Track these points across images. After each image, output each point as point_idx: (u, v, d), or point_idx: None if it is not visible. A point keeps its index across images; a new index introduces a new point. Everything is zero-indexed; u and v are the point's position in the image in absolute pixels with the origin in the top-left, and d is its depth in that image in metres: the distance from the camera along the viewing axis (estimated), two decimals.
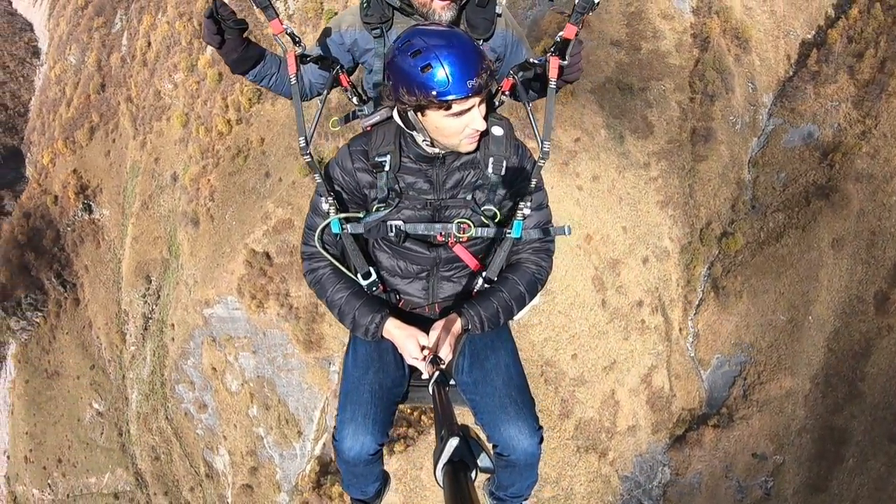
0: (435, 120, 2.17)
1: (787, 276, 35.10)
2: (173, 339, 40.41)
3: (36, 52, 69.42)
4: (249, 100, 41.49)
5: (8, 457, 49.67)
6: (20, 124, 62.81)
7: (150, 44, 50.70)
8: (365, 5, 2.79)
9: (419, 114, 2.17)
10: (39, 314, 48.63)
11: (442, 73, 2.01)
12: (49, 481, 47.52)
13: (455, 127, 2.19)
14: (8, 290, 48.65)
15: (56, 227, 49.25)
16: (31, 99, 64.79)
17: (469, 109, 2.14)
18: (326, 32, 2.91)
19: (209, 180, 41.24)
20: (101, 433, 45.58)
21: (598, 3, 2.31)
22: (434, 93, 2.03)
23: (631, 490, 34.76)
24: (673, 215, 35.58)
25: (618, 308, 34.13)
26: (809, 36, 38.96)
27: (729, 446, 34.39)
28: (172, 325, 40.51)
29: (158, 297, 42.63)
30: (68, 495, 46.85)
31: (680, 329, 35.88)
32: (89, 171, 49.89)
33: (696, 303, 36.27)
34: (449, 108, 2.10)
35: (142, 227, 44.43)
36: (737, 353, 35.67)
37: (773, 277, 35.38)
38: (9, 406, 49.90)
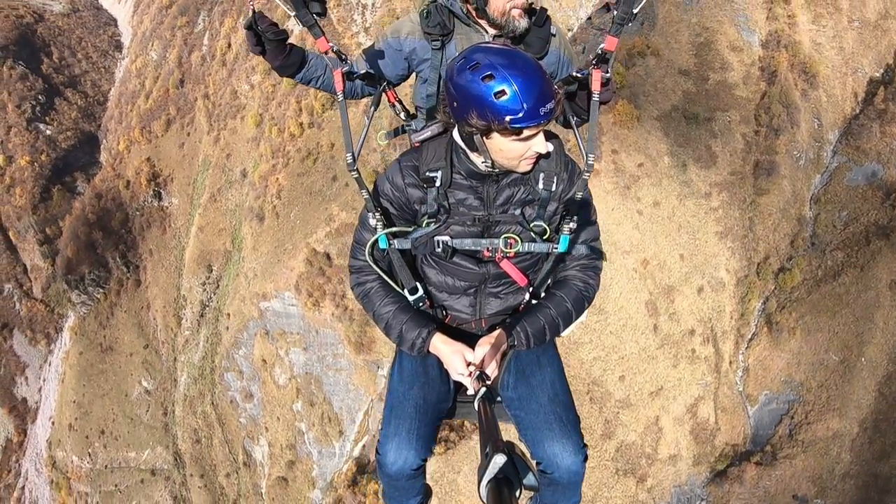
0: (500, 143, 2.19)
1: (843, 316, 35.06)
2: (228, 328, 42.17)
3: (118, 46, 74.15)
4: (322, 105, 43.69)
5: (53, 423, 52.12)
6: (98, 112, 66.84)
7: (230, 45, 53.85)
8: (426, 14, 2.86)
9: (483, 136, 2.20)
10: (101, 291, 51.50)
11: (517, 99, 2.02)
12: (90, 450, 49.63)
13: (519, 150, 2.22)
14: (73, 264, 51.65)
15: (125, 210, 52.30)
16: (110, 89, 68.98)
17: (535, 134, 2.19)
18: (384, 37, 2.99)
19: (278, 179, 43.35)
20: (147, 411, 47.71)
21: (637, 13, 2.37)
22: (508, 118, 2.05)
23: None
24: (731, 247, 35.92)
25: (669, 335, 34.53)
26: (878, 74, 39.13)
27: (770, 486, 34.16)
28: (228, 314, 42.32)
29: (217, 286, 44.74)
30: (106, 466, 48.89)
31: (730, 362, 36.02)
32: (162, 161, 52.99)
33: (749, 336, 36.42)
34: (519, 133, 2.13)
35: (208, 218, 46.86)
36: (786, 390, 35.64)
37: (828, 316, 35.37)
38: (60, 375, 52.58)
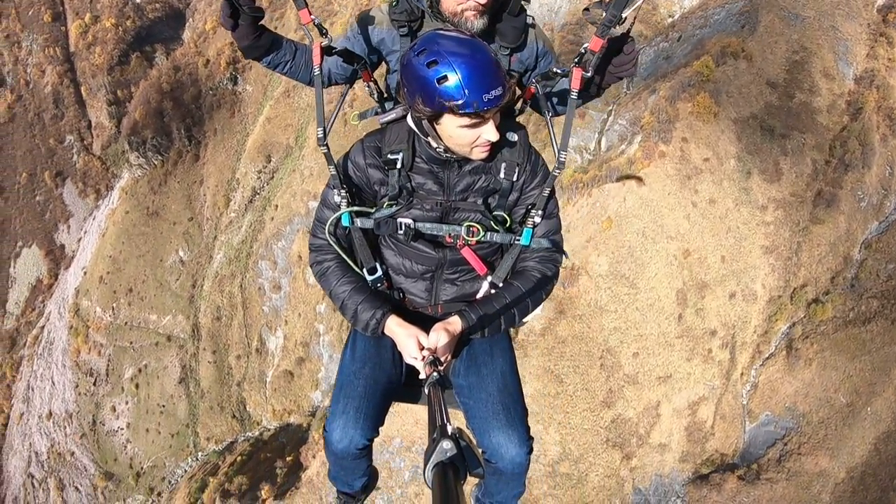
0: (449, 129, 2.25)
1: (862, 362, 36.35)
2: (273, 218, 44.95)
3: None
4: None
5: (85, 273, 55.90)
6: None
7: None
8: (394, 3, 2.85)
9: (433, 122, 2.25)
10: (159, 158, 54.87)
11: (458, 86, 2.07)
12: (114, 305, 53.45)
13: (468, 137, 2.27)
14: (138, 127, 54.95)
15: (199, 87, 55.16)
16: None
17: (484, 121, 2.22)
18: (354, 27, 2.99)
19: (355, 89, 45.69)
20: (177, 279, 51.25)
21: (626, 17, 2.38)
22: (450, 104, 2.10)
23: None
24: (773, 264, 37.12)
25: (691, 328, 35.96)
26: None
27: (746, 503, 35.50)
28: (276, 206, 45.09)
29: (272, 177, 47.57)
30: (126, 323, 52.72)
31: (741, 373, 37.30)
32: None
33: (766, 355, 37.64)
34: (465, 118, 2.17)
35: (278, 110, 49.42)
36: (787, 416, 36.82)
37: (847, 358, 36.65)
38: (102, 229, 56.28)
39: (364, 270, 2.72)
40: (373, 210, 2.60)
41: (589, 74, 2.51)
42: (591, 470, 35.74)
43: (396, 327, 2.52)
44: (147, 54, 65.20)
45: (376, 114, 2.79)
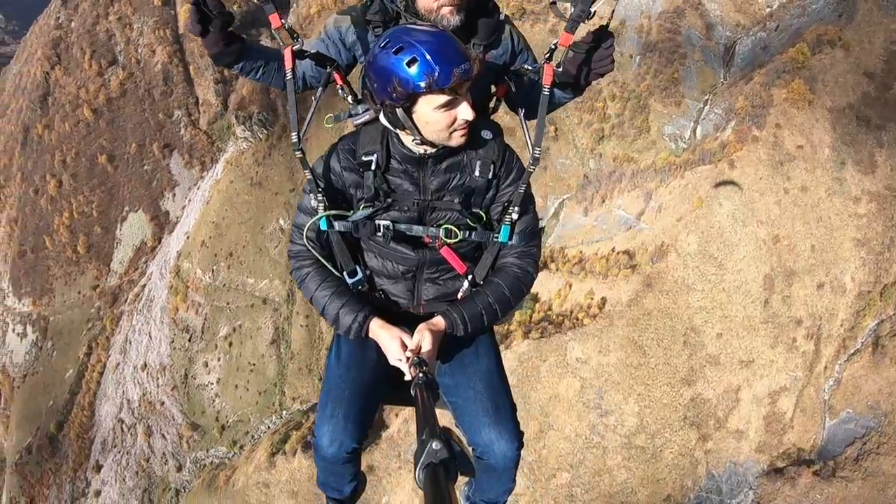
0: (424, 115, 2.37)
1: None
2: None
3: None
4: None
5: (187, 237, 62.49)
6: None
7: None
8: (368, 3, 2.95)
9: (408, 111, 2.37)
10: (265, 132, 61.09)
11: (427, 63, 2.21)
12: (214, 267, 59.51)
13: (444, 120, 2.40)
14: (245, 102, 61.28)
15: None
16: None
17: (457, 100, 2.37)
18: (329, 29, 3.09)
19: None
20: (276, 246, 57.05)
21: (595, 12, 2.54)
22: (422, 84, 2.23)
23: (709, 491, 37.50)
24: (864, 258, 38.41)
25: (777, 315, 37.69)
26: None
27: (819, 500, 35.92)
28: None
29: None
30: (224, 284, 58.71)
31: (825, 367, 38.25)
32: None
33: (852, 351, 38.42)
34: (438, 95, 2.30)
35: None
36: (868, 415, 37.14)
37: None
38: (206, 198, 62.88)
39: (344, 274, 2.82)
40: (350, 213, 2.71)
41: (560, 70, 2.71)
42: (666, 446, 37.35)
43: (379, 329, 2.64)
44: (253, 38, 71.84)
45: (350, 116, 2.85)
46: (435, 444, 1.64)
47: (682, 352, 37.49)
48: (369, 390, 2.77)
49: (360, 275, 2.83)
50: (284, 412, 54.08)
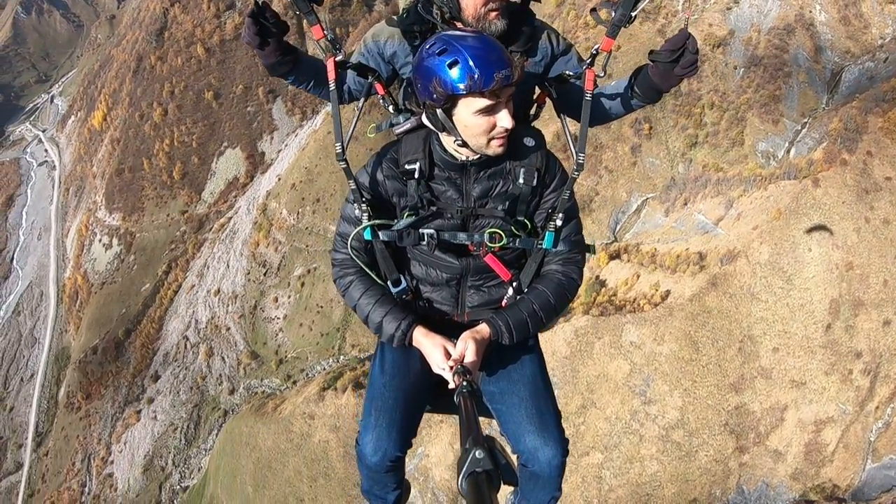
0: (464, 118, 2.47)
1: None
2: None
3: None
4: None
5: (279, 178, 69.03)
6: None
7: None
8: (405, 15, 3.08)
9: (448, 113, 2.48)
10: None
11: (469, 66, 2.31)
12: (299, 210, 65.48)
13: (483, 125, 2.49)
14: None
15: None
16: None
17: (497, 106, 2.45)
18: (367, 42, 3.23)
19: None
20: None
21: (635, 17, 2.67)
22: (461, 86, 2.34)
23: None
24: None
25: (837, 342, 38.62)
26: None
27: None
28: None
29: None
30: (307, 228, 64.64)
31: (877, 407, 38.21)
32: None
33: None
34: (479, 97, 2.39)
35: None
36: None
37: None
38: (302, 144, 69.34)
39: (388, 283, 2.95)
40: (394, 222, 2.81)
41: (603, 76, 2.82)
42: (702, 448, 38.77)
43: (423, 338, 2.75)
44: (367, 1, 78.14)
45: (391, 125, 2.88)
46: (478, 453, 1.68)
47: (736, 357, 39.02)
48: (413, 399, 2.88)
49: (403, 283, 2.95)
50: (342, 357, 58.96)
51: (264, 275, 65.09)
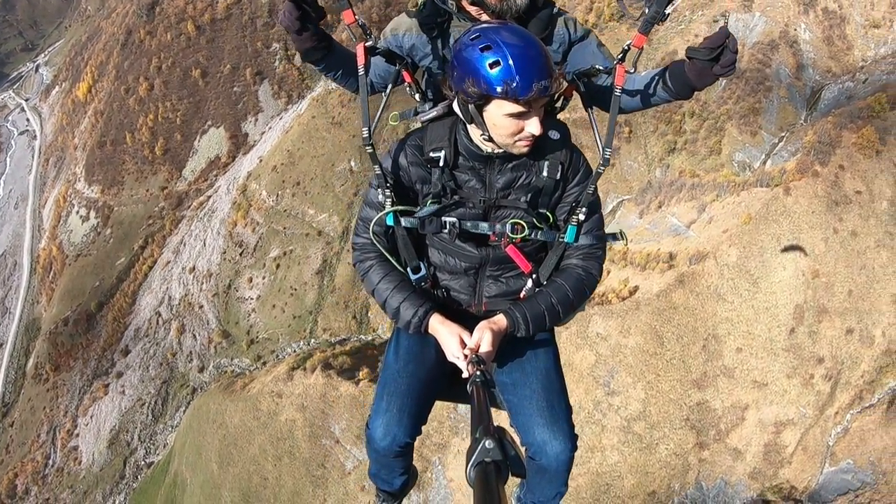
0: (494, 117, 2.45)
1: None
2: None
3: None
4: None
5: (260, 160, 69.42)
6: None
7: None
8: (422, 8, 3.10)
9: (479, 108, 2.46)
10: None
11: (509, 71, 2.28)
12: (279, 192, 65.93)
13: (511, 128, 2.48)
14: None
15: None
16: None
17: (528, 113, 2.44)
18: (385, 36, 3.23)
19: None
20: (342, 185, 63.00)
21: (669, 14, 2.66)
22: (499, 89, 2.31)
23: (695, 501, 39.10)
24: None
25: (800, 346, 39.43)
26: None
27: None
28: None
29: None
30: (285, 210, 65.05)
31: (836, 412, 39.23)
32: None
33: (866, 403, 39.37)
34: (513, 103, 2.37)
35: None
36: (867, 470, 38.02)
37: None
38: (286, 128, 69.72)
39: (408, 269, 2.95)
40: (416, 209, 2.82)
41: (633, 72, 2.84)
42: (662, 441, 39.52)
43: (439, 325, 2.76)
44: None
45: (416, 113, 2.89)
46: (488, 443, 1.70)
47: (700, 355, 39.77)
48: (426, 385, 2.94)
49: (423, 271, 2.95)
50: (313, 340, 59.43)
51: (240, 255, 65.45)
